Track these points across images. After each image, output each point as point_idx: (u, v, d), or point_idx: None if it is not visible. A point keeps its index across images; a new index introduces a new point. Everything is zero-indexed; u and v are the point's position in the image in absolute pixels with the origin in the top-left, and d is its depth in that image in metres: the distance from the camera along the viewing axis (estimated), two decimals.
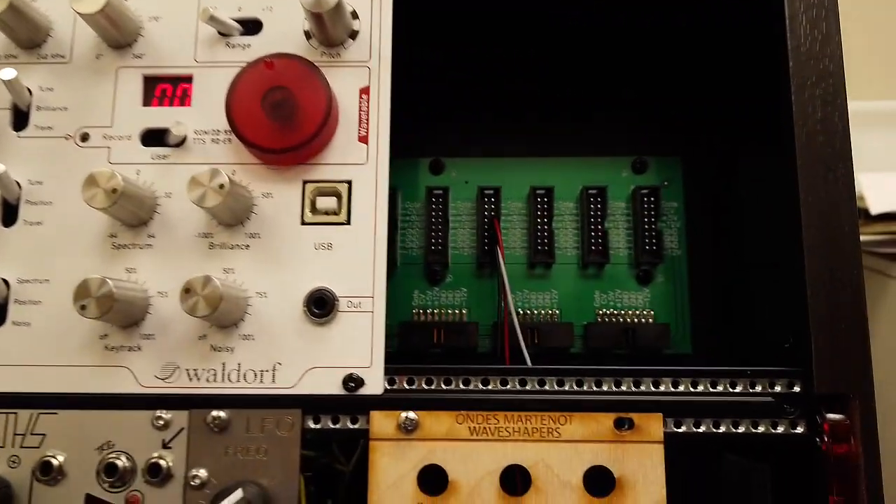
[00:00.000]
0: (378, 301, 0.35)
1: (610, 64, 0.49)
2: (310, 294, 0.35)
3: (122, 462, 0.34)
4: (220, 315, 0.33)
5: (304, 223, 0.36)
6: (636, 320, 0.47)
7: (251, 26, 0.38)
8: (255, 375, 0.35)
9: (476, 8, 0.43)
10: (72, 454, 0.34)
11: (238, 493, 0.32)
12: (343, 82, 0.37)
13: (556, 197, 0.48)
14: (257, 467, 0.34)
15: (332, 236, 0.36)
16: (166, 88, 0.38)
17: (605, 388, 0.35)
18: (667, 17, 0.45)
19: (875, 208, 0.95)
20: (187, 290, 0.32)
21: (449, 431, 0.35)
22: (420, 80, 0.49)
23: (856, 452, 0.33)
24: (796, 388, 0.35)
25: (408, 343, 0.46)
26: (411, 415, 0.34)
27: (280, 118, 0.35)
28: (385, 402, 0.35)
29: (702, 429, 0.35)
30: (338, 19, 0.36)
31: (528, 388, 0.35)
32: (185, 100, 0.38)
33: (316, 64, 0.36)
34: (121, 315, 0.34)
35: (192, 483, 0.33)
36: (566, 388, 0.35)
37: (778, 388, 0.35)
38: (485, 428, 0.35)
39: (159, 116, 0.37)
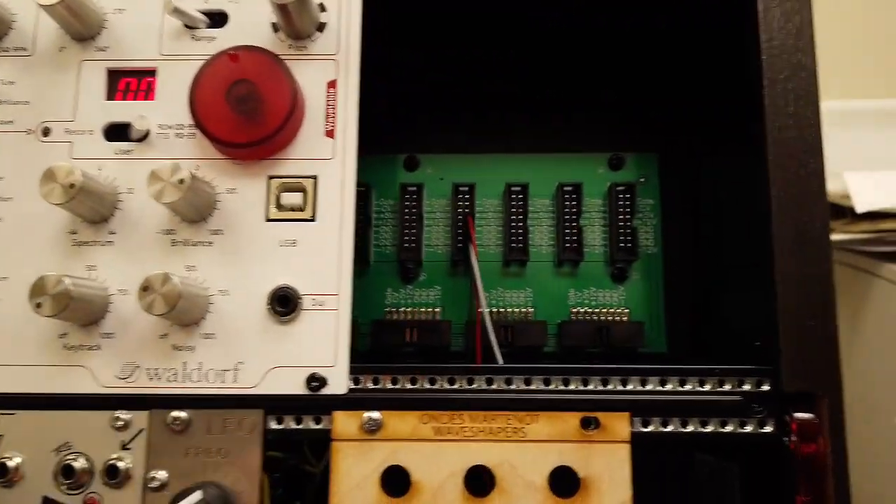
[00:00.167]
0: (343, 299, 0.35)
1: (586, 60, 0.48)
2: (273, 292, 0.35)
3: (79, 463, 0.33)
4: (180, 313, 0.32)
5: (268, 219, 0.35)
6: (610, 319, 0.46)
7: (217, 19, 0.37)
8: (217, 375, 0.34)
9: (452, 8, 0.43)
10: (29, 455, 0.33)
11: (197, 495, 0.32)
12: (310, 75, 0.36)
13: (531, 194, 0.48)
14: (218, 468, 0.34)
15: (297, 233, 0.35)
16: (130, 82, 0.37)
17: (572, 386, 0.35)
18: (644, 17, 0.44)
19: (861, 207, 0.95)
20: (145, 288, 0.32)
21: (413, 432, 0.34)
22: (396, 77, 0.48)
23: (824, 452, 0.33)
24: (765, 387, 0.34)
25: (380, 342, 0.46)
26: (374, 415, 0.34)
27: (244, 112, 0.34)
28: (348, 402, 0.34)
29: (669, 428, 0.34)
30: (304, 11, 0.35)
31: (494, 387, 0.35)
32: (149, 94, 0.37)
33: (283, 57, 0.36)
34: (79, 313, 0.33)
35: (151, 485, 0.33)
36: (533, 387, 0.35)
37: (746, 387, 0.34)
38: (449, 428, 0.34)
39: (123, 110, 0.37)
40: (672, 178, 0.49)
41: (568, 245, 0.47)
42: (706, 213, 0.46)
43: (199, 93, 0.35)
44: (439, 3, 0.42)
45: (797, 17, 0.36)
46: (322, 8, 0.37)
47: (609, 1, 0.43)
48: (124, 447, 0.33)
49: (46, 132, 0.37)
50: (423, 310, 0.47)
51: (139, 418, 0.34)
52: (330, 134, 0.36)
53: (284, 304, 0.35)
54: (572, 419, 0.34)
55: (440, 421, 0.34)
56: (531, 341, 0.46)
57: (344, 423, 0.34)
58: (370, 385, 0.35)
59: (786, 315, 0.34)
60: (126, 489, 0.33)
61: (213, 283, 0.35)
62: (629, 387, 0.35)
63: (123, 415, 0.34)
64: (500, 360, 0.41)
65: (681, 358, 0.46)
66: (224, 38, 0.37)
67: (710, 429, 0.34)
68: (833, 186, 0.99)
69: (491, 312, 0.47)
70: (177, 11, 0.36)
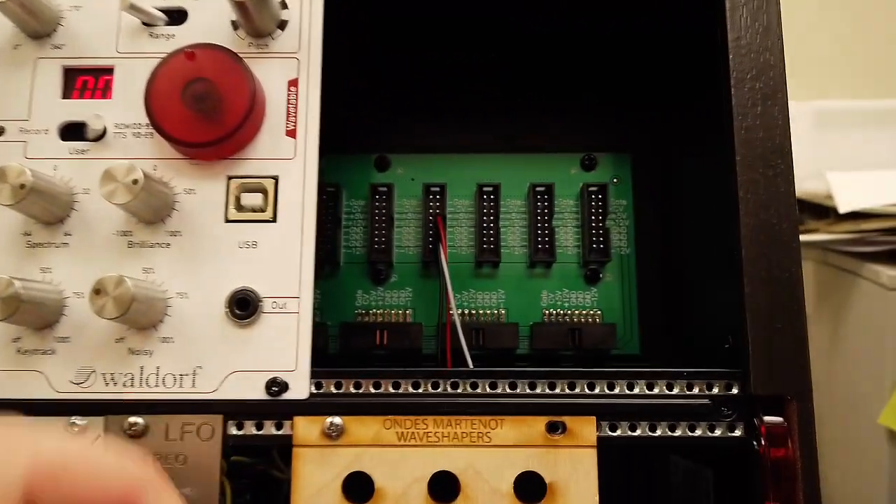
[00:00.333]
0: (304, 302, 0.34)
1: (558, 60, 0.48)
2: (232, 294, 0.34)
3: None
4: (135, 316, 0.32)
5: (228, 220, 0.35)
6: (583, 320, 0.46)
7: (176, 16, 0.37)
8: (175, 380, 0.33)
9: (422, 7, 0.42)
10: None
11: None
12: (270, 74, 0.36)
13: (503, 194, 0.47)
14: (176, 475, 0.32)
15: (257, 234, 0.35)
16: (87, 80, 0.36)
17: (538, 390, 0.34)
18: (618, 18, 0.44)
19: (843, 207, 0.95)
20: (97, 291, 0.31)
21: (376, 437, 0.33)
22: (366, 76, 0.48)
23: (793, 456, 0.33)
24: (734, 390, 0.34)
25: (350, 345, 0.45)
26: (336, 420, 0.33)
27: (202, 111, 0.34)
28: (310, 407, 0.33)
29: (637, 432, 0.34)
30: (264, 9, 0.35)
31: (460, 390, 0.34)
32: (106, 92, 0.36)
33: (242, 55, 0.35)
34: (31, 316, 0.33)
35: None
36: (499, 390, 0.34)
37: (715, 390, 0.34)
38: (413, 433, 0.33)
39: (79, 109, 0.36)
40: (645, 179, 0.48)
41: (540, 246, 0.46)
42: (679, 214, 0.46)
43: (154, 91, 0.34)
44: (408, 1, 0.42)
45: (764, 15, 0.35)
46: (283, 5, 0.36)
47: (582, 2, 0.42)
48: None
49: (0, 132, 0.36)
50: (394, 312, 0.47)
51: (95, 424, 0.33)
52: (291, 133, 0.35)
53: (244, 306, 0.34)
54: (538, 423, 0.33)
55: (404, 426, 0.34)
56: (503, 344, 0.45)
57: (305, 428, 0.33)
58: (332, 389, 0.34)
59: (754, 318, 0.34)
60: None
61: (170, 285, 0.34)
62: (596, 390, 0.34)
63: (79, 420, 0.33)
64: (470, 364, 0.41)
65: (654, 360, 0.46)
66: (183, 36, 0.36)
67: (678, 433, 0.34)
68: (816, 187, 0.99)
69: (463, 315, 0.46)
70: (133, 8, 0.35)
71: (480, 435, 0.33)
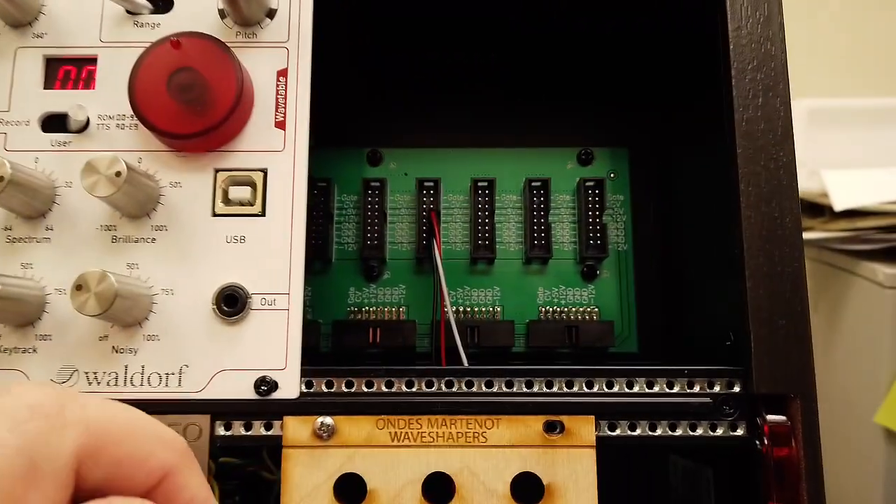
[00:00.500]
0: (294, 298, 0.33)
1: (555, 53, 0.47)
2: (220, 291, 0.33)
3: None
4: (117, 314, 0.31)
5: (215, 215, 0.34)
6: (580, 318, 0.45)
7: (161, 4, 0.36)
8: (161, 379, 0.32)
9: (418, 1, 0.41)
10: None
11: None
12: (259, 64, 0.35)
13: (498, 189, 0.46)
14: None
15: (245, 229, 0.34)
16: (70, 70, 0.35)
17: (535, 389, 0.33)
18: (616, 11, 0.43)
19: (839, 205, 0.95)
20: (79, 287, 0.30)
21: (368, 437, 0.32)
22: (358, 68, 0.47)
23: (797, 456, 0.32)
24: (736, 389, 0.33)
25: (343, 343, 0.44)
26: (327, 420, 0.32)
27: (187, 101, 0.33)
28: (300, 406, 0.32)
29: (637, 432, 0.33)
30: None
31: (454, 389, 0.33)
32: (89, 82, 0.35)
33: (230, 44, 0.34)
34: (11, 314, 0.31)
35: None
36: (495, 389, 0.33)
37: (717, 389, 0.33)
38: (407, 433, 0.32)
39: (61, 100, 0.35)
40: (643, 174, 0.47)
41: (536, 242, 0.45)
42: (678, 209, 0.45)
43: (139, 81, 0.33)
44: None
45: (765, 5, 0.35)
46: None
47: None
48: None
49: None
50: (387, 309, 0.46)
51: None
52: (280, 125, 0.34)
53: (232, 303, 0.33)
54: (536, 423, 0.32)
55: (397, 426, 0.33)
56: (499, 342, 0.44)
57: (295, 428, 0.32)
58: (323, 388, 0.33)
59: (756, 314, 0.33)
60: None
61: (156, 281, 0.33)
62: (595, 389, 0.33)
63: None
64: (465, 362, 0.40)
65: (652, 358, 0.45)
66: (168, 25, 0.35)
67: (679, 432, 0.33)
68: (811, 185, 0.99)
69: (457, 312, 0.45)
70: None
71: (476, 435, 0.32)
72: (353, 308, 0.46)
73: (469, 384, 0.33)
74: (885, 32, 1.21)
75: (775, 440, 0.32)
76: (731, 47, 0.34)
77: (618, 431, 0.33)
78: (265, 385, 0.32)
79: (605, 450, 0.32)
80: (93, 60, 0.35)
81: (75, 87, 0.35)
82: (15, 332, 0.33)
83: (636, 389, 0.33)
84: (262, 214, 0.34)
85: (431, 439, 0.32)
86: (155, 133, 0.33)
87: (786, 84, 0.34)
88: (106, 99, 0.35)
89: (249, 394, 0.32)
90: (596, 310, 0.45)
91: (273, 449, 0.35)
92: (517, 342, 0.45)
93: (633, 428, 0.33)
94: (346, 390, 0.33)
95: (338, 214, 0.47)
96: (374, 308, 0.46)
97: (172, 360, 0.32)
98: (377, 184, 0.46)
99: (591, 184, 0.46)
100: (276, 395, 0.32)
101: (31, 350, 0.33)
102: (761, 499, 0.32)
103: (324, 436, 0.32)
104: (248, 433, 0.33)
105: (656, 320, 0.46)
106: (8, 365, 0.32)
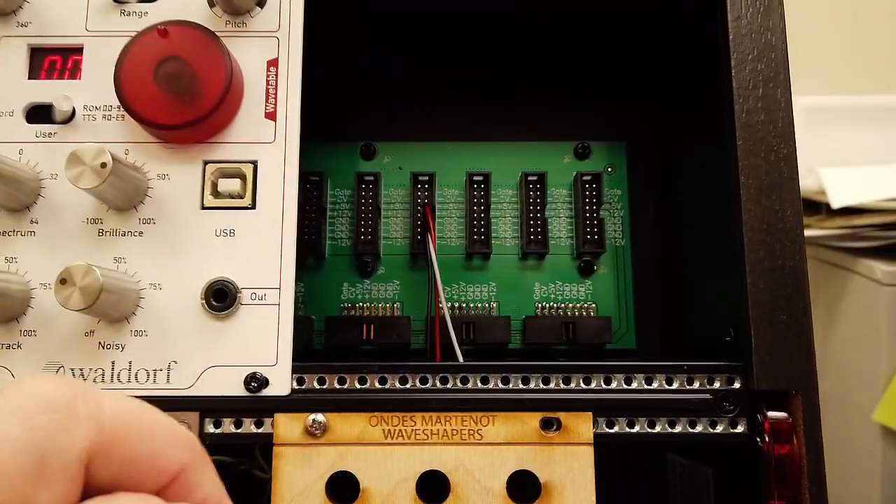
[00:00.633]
0: (285, 293, 0.32)
1: (552, 45, 0.46)
2: (209, 285, 0.32)
3: None
4: (104, 308, 0.30)
5: (204, 207, 0.33)
6: (577, 314, 0.44)
7: None
8: (148, 375, 0.32)
9: None
10: None
11: None
12: (248, 53, 0.34)
13: (493, 184, 0.45)
14: None
15: (235, 222, 0.33)
16: (55, 60, 0.34)
17: (532, 385, 0.32)
18: (615, 3, 0.42)
19: (836, 202, 0.95)
20: (63, 281, 0.29)
21: (361, 435, 0.32)
22: (351, 59, 0.46)
23: (798, 453, 0.31)
24: (736, 385, 0.32)
25: (336, 339, 0.43)
26: (319, 417, 0.31)
27: (175, 91, 0.32)
28: (291, 403, 0.32)
29: (636, 429, 0.32)
30: None
31: (449, 386, 0.32)
32: (75, 73, 0.34)
33: (219, 33, 0.33)
34: None
35: None
36: (491, 385, 0.32)
37: (717, 385, 0.32)
38: (400, 431, 0.32)
39: (46, 90, 0.34)
40: (641, 168, 0.47)
41: (533, 237, 0.45)
42: (676, 203, 0.44)
43: (125, 71, 0.32)
44: None
45: None
46: None
47: None
48: None
49: None
50: (381, 305, 0.45)
51: None
52: (271, 116, 0.34)
53: (221, 298, 0.32)
54: (532, 420, 0.32)
55: (390, 423, 0.32)
56: (495, 338, 0.43)
57: (286, 426, 0.32)
58: (315, 385, 0.32)
59: (757, 309, 0.32)
60: None
61: (143, 276, 0.32)
62: (592, 385, 0.32)
63: None
64: (461, 358, 0.39)
65: (650, 355, 0.44)
66: (156, 13, 0.34)
67: (678, 429, 0.32)
68: (809, 182, 0.99)
69: (452, 308, 0.45)
70: None
71: (471, 432, 0.32)
72: (346, 304, 0.45)
73: (464, 380, 0.32)
74: (883, 30, 1.20)
75: (776, 437, 0.31)
76: (731, 37, 0.34)
77: (616, 428, 0.32)
78: (255, 381, 0.31)
79: (603, 447, 0.32)
80: (78, 50, 0.34)
81: (61, 77, 0.34)
82: None
83: (634, 386, 0.32)
84: (252, 207, 0.33)
85: (426, 437, 0.32)
86: (142, 124, 0.32)
87: (786, 74, 0.33)
88: (92, 89, 0.34)
89: (239, 390, 0.31)
90: (593, 306, 0.45)
91: (265, 447, 0.34)
92: (513, 338, 0.44)
93: (631, 425, 0.32)
94: (338, 387, 0.32)
95: (331, 209, 0.46)
96: (368, 304, 0.45)
97: (160, 355, 0.32)
98: (371, 178, 0.45)
99: (588, 178, 0.45)
100: (266, 392, 0.32)
101: (15, 346, 0.32)
102: (762, 498, 0.32)
103: (316, 433, 0.31)
104: (239, 431, 0.32)
105: (654, 316, 0.45)
106: None
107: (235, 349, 0.32)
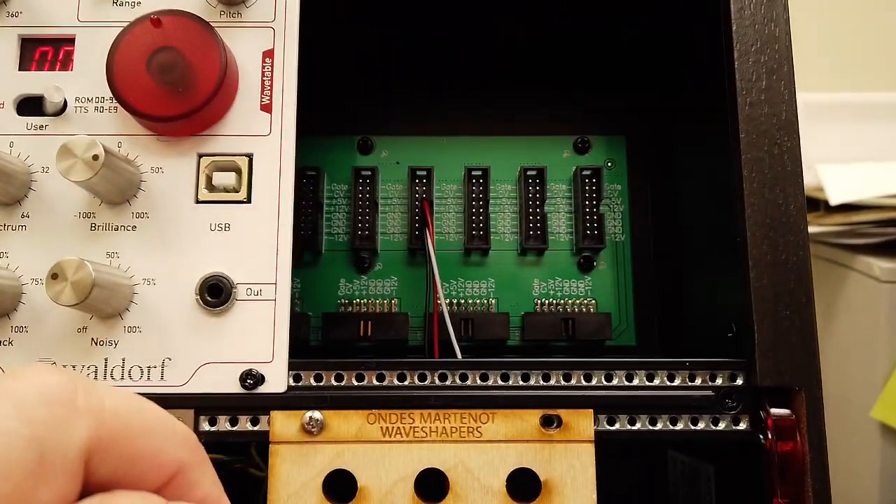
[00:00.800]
0: (281, 288, 0.32)
1: (552, 38, 0.46)
2: (204, 280, 0.31)
3: None
4: (96, 304, 0.29)
5: (198, 201, 0.32)
6: (576, 310, 0.44)
7: None
8: (142, 372, 0.31)
9: None
10: None
11: None
12: (244, 44, 0.33)
13: (492, 178, 0.45)
14: None
15: (230, 216, 0.32)
16: (46, 51, 0.34)
17: (532, 382, 0.32)
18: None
19: (834, 199, 0.94)
20: (55, 276, 0.28)
21: (359, 433, 0.31)
22: (349, 53, 0.45)
23: (802, 450, 0.31)
24: (739, 381, 0.32)
25: (333, 336, 0.43)
26: (316, 415, 0.31)
27: (168, 82, 0.31)
28: (288, 400, 0.31)
29: (637, 426, 0.32)
30: None
31: (448, 383, 0.32)
32: (67, 64, 0.34)
33: (213, 24, 0.32)
34: None
35: None
36: (490, 382, 0.32)
37: (719, 381, 0.32)
38: (399, 428, 0.31)
39: (38, 82, 0.33)
40: (641, 163, 0.46)
41: (532, 233, 0.44)
42: (677, 198, 0.44)
43: (117, 62, 0.31)
44: None
45: None
46: None
47: None
48: None
49: None
50: (378, 302, 0.44)
51: None
52: (266, 108, 0.33)
53: (216, 293, 0.31)
54: (532, 417, 0.31)
55: (388, 420, 0.31)
56: (493, 334, 0.43)
57: (283, 423, 0.31)
58: (312, 382, 0.32)
59: (760, 304, 0.32)
60: None
61: (137, 271, 0.32)
62: (593, 382, 0.32)
63: None
64: (459, 355, 0.39)
65: (650, 351, 0.44)
66: (149, 3, 0.34)
67: (680, 426, 0.32)
68: (807, 179, 0.98)
69: (451, 304, 0.44)
70: None
71: (470, 430, 0.31)
72: (343, 300, 0.45)
73: (463, 377, 0.32)
74: (882, 27, 1.20)
75: (779, 434, 0.31)
76: (734, 29, 0.33)
77: (617, 426, 0.32)
78: (251, 378, 0.31)
79: (604, 445, 0.31)
80: (70, 41, 0.34)
81: (52, 68, 0.34)
82: None
83: (636, 382, 0.32)
84: (248, 201, 0.32)
85: (424, 434, 0.31)
86: (135, 116, 0.32)
87: (790, 66, 0.33)
88: (84, 81, 0.33)
89: (235, 387, 0.31)
90: (593, 302, 0.44)
91: (262, 445, 0.34)
92: (512, 335, 0.44)
93: (632, 422, 0.32)
94: (335, 384, 0.32)
95: (328, 204, 0.45)
96: (366, 300, 0.45)
97: (154, 352, 0.31)
98: (368, 172, 0.45)
99: (587, 173, 0.45)
100: (262, 389, 0.31)
101: (6, 342, 0.31)
102: (764, 495, 0.31)
103: (312, 431, 0.31)
104: (234, 428, 0.31)
105: (655, 312, 0.45)
106: None
107: (231, 345, 0.31)
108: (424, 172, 0.45)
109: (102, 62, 0.32)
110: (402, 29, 0.44)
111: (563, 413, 0.31)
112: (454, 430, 0.31)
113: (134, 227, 0.32)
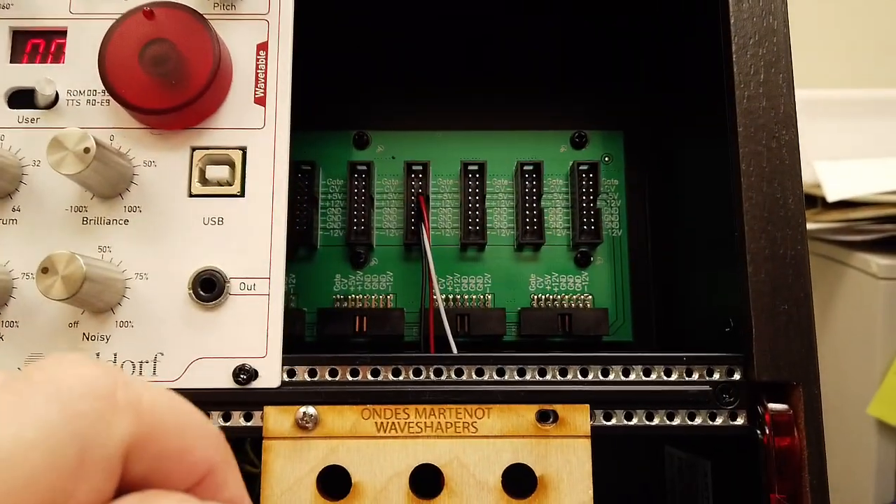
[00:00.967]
0: (275, 283, 0.32)
1: (549, 32, 0.46)
2: (197, 275, 0.31)
3: None
4: (87, 298, 0.29)
5: (191, 195, 0.32)
6: (573, 305, 0.44)
7: None
8: (134, 367, 0.31)
9: None
10: None
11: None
12: (237, 37, 0.33)
13: (489, 173, 0.44)
14: None
15: (223, 210, 0.32)
16: (38, 44, 0.33)
17: (528, 377, 0.32)
18: None
19: (831, 196, 0.94)
20: (45, 269, 0.28)
21: (353, 428, 0.31)
22: (345, 46, 0.45)
23: (799, 446, 0.30)
24: (736, 376, 0.32)
25: (328, 332, 0.43)
26: (310, 410, 0.31)
27: (161, 74, 0.31)
28: (281, 396, 0.31)
29: (633, 421, 0.31)
30: None
31: (443, 378, 0.32)
32: (59, 56, 0.33)
33: (207, 16, 0.32)
34: None
35: None
36: (486, 377, 0.32)
37: (716, 376, 0.32)
38: (393, 423, 0.31)
39: (29, 74, 0.33)
40: (638, 157, 0.46)
41: (528, 228, 0.44)
42: (674, 193, 0.44)
43: (110, 54, 0.31)
44: None
45: None
46: None
47: None
48: None
49: None
50: (374, 297, 0.44)
51: None
52: (260, 101, 0.33)
53: (209, 288, 0.31)
54: (528, 412, 0.31)
55: (383, 416, 0.31)
56: (490, 330, 0.43)
57: (276, 419, 0.31)
58: (306, 377, 0.31)
59: (757, 298, 0.31)
60: None
61: (129, 265, 0.31)
62: (589, 377, 0.32)
63: None
64: (455, 351, 0.38)
65: (647, 347, 0.44)
66: None
67: (677, 421, 0.32)
68: (804, 176, 0.98)
69: (447, 300, 0.44)
70: None
71: (466, 425, 0.31)
72: (338, 296, 0.44)
73: (459, 372, 0.32)
74: (879, 23, 1.20)
75: (777, 429, 0.31)
76: (732, 21, 0.33)
77: (613, 421, 0.31)
78: (244, 373, 0.31)
79: (601, 440, 0.31)
80: (62, 33, 0.33)
81: (44, 60, 0.33)
82: None
83: (632, 377, 0.32)
84: (241, 195, 0.32)
85: (419, 430, 0.31)
86: (127, 109, 0.31)
87: (788, 59, 0.33)
88: (76, 73, 0.33)
89: (228, 383, 0.31)
90: (590, 297, 0.44)
91: (256, 441, 0.33)
92: (509, 331, 0.43)
93: (629, 417, 0.31)
94: (329, 379, 0.31)
95: (323, 199, 0.45)
96: (361, 296, 0.44)
97: (147, 347, 0.31)
98: (364, 167, 0.44)
99: (585, 167, 0.44)
100: (256, 384, 0.31)
101: None
102: (762, 491, 0.31)
103: (306, 426, 0.31)
104: (227, 424, 0.31)
105: (652, 308, 0.44)
106: None
107: (224, 340, 0.31)
108: (420, 167, 0.44)
109: (94, 54, 0.32)
110: (397, 23, 0.44)
111: (559, 408, 0.31)
112: (449, 425, 0.31)
113: (126, 221, 0.32)
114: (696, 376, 0.32)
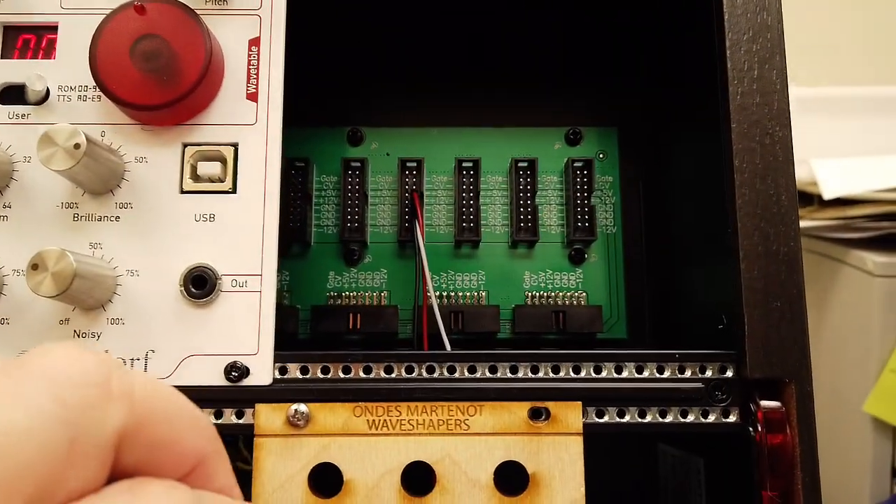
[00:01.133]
0: (267, 280, 0.31)
1: (543, 28, 0.45)
2: (188, 272, 0.31)
3: None
4: (77, 295, 0.29)
5: (183, 192, 0.32)
6: (568, 302, 0.44)
7: None
8: (125, 364, 0.31)
9: None
10: None
11: None
12: (229, 32, 0.33)
13: (483, 170, 0.44)
14: None
15: (215, 206, 0.32)
16: (29, 39, 0.33)
17: (520, 374, 0.32)
18: None
19: (828, 193, 0.94)
20: (35, 266, 0.28)
21: (345, 425, 0.31)
22: (338, 43, 0.45)
23: (792, 443, 0.30)
24: (729, 373, 0.32)
25: (321, 329, 0.42)
26: (301, 407, 0.31)
27: (152, 70, 0.31)
28: (273, 393, 0.31)
29: (626, 418, 0.31)
30: None
31: (436, 375, 0.32)
32: (49, 52, 0.33)
33: (198, 11, 0.32)
34: None
35: None
36: (478, 375, 0.32)
37: (709, 374, 0.32)
38: (385, 421, 0.31)
39: (20, 70, 0.33)
40: (633, 154, 0.46)
41: (523, 225, 0.44)
42: (668, 190, 0.44)
43: (100, 49, 0.31)
44: None
45: None
46: None
47: None
48: None
49: None
50: (367, 294, 0.44)
51: None
52: (252, 97, 0.33)
53: (201, 284, 0.31)
54: (520, 410, 0.31)
55: (375, 413, 0.31)
56: (484, 327, 0.42)
57: (268, 416, 0.31)
58: (298, 374, 0.31)
59: (750, 295, 0.31)
60: None
61: (120, 262, 0.31)
62: (582, 374, 0.32)
63: None
64: (448, 348, 0.38)
65: (641, 344, 0.43)
66: None
67: (669, 419, 0.32)
68: (800, 173, 0.98)
69: (441, 297, 0.44)
70: None
71: (458, 422, 0.31)
72: (332, 293, 0.44)
73: (451, 369, 0.32)
74: (875, 20, 1.20)
75: (769, 427, 0.31)
76: (726, 17, 0.33)
77: (606, 418, 0.31)
78: (236, 371, 0.31)
79: (593, 438, 0.31)
80: (53, 28, 0.33)
81: (34, 56, 0.33)
82: None
83: (625, 374, 0.32)
84: (233, 191, 0.32)
85: (411, 427, 0.31)
86: (118, 104, 0.31)
87: (782, 55, 0.33)
88: (67, 69, 0.33)
89: (219, 380, 0.31)
90: (584, 294, 0.44)
91: (249, 438, 0.33)
92: (503, 328, 0.43)
93: (621, 414, 0.31)
94: (321, 376, 0.31)
95: (317, 196, 0.45)
96: (355, 293, 0.44)
97: (138, 344, 0.31)
98: (358, 164, 0.44)
99: (579, 164, 0.44)
100: (247, 382, 0.31)
101: None
102: (754, 488, 0.31)
103: (298, 424, 0.31)
104: (219, 421, 0.31)
105: (646, 305, 0.44)
106: None
107: (215, 337, 0.31)
108: (414, 164, 0.44)
109: (85, 50, 0.32)
110: (391, 19, 0.44)
111: (551, 405, 0.31)
112: (441, 422, 0.31)
113: (117, 218, 0.32)
114: (688, 373, 0.32)
